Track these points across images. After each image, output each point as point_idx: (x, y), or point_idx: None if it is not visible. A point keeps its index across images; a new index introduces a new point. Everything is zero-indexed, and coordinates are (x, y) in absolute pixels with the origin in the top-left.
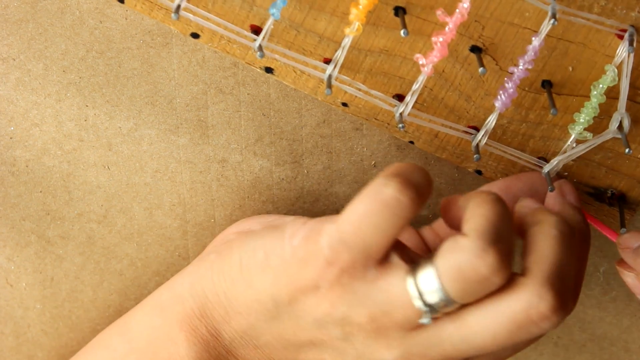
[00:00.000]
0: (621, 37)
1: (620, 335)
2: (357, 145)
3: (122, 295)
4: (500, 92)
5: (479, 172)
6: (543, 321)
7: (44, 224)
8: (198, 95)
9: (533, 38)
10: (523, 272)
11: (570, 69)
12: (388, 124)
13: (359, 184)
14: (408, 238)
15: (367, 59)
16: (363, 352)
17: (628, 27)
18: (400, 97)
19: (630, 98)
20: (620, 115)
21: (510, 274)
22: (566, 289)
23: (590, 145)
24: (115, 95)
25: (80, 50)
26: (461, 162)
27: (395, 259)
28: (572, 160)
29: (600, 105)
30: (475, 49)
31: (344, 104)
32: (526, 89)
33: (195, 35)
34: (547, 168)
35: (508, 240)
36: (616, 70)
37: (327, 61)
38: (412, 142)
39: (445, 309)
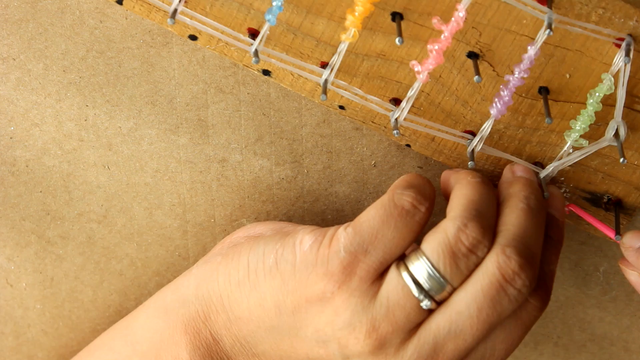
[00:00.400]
0: (619, 46)
1: (620, 335)
2: (357, 145)
3: (122, 295)
4: (496, 99)
5: None
6: (514, 279)
7: (44, 224)
8: (198, 94)
9: (529, 47)
10: (493, 242)
11: (568, 76)
12: (385, 127)
13: (359, 184)
14: None
15: (364, 63)
16: None
17: (625, 36)
18: (397, 101)
19: (627, 106)
20: (617, 123)
21: (491, 246)
22: (531, 253)
23: (586, 153)
24: (115, 95)
25: (81, 50)
26: (458, 165)
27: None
28: (569, 166)
29: (597, 112)
30: (472, 55)
31: (341, 107)
32: (523, 95)
33: (193, 37)
34: (542, 174)
35: (489, 216)
36: (613, 79)
37: (325, 65)
38: (408, 146)
39: (440, 294)
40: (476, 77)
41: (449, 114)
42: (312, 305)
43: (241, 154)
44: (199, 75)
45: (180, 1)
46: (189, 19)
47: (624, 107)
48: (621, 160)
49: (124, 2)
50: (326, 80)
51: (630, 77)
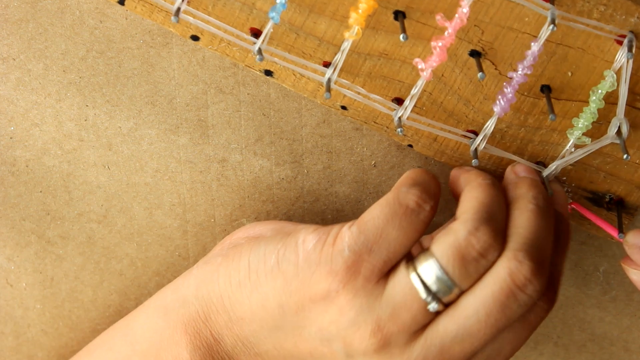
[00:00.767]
0: (620, 43)
1: (620, 335)
2: (357, 145)
3: (122, 295)
4: (499, 97)
5: None
6: (526, 285)
7: (44, 224)
8: (198, 95)
9: (532, 43)
10: (504, 245)
11: (570, 74)
12: (387, 127)
13: (359, 184)
14: None
15: (367, 62)
16: None
17: (627, 33)
18: (399, 101)
19: (629, 104)
20: (619, 120)
21: (502, 249)
22: (542, 257)
23: (588, 151)
24: (115, 95)
25: (81, 50)
26: (460, 165)
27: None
28: (571, 165)
29: (599, 110)
30: (474, 54)
31: (343, 107)
32: (525, 93)
33: (195, 38)
34: (545, 172)
35: (500, 219)
36: (615, 75)
37: (327, 64)
38: (410, 146)
39: (447, 297)
40: (480, 74)
41: (451, 113)
42: (316, 305)
43: (241, 154)
44: (199, 76)
45: (183, 0)
46: (192, 18)
47: (626, 104)
48: (625, 156)
49: (125, 3)
50: (329, 79)
51: (632, 74)
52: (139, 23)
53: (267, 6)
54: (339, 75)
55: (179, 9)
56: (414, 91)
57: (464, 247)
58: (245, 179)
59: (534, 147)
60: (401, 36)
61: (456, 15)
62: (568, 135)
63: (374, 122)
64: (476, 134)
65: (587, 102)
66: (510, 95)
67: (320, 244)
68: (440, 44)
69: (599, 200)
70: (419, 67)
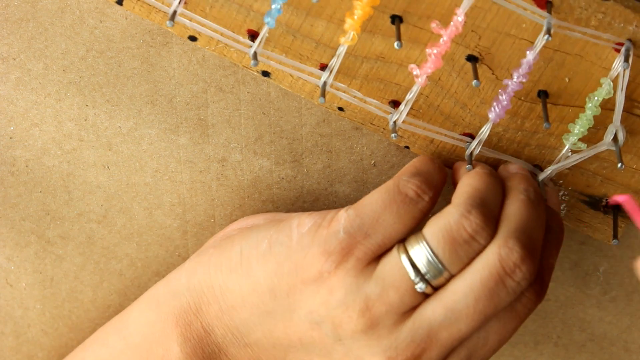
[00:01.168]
0: (618, 51)
1: (620, 335)
2: (357, 145)
3: (122, 295)
4: (494, 103)
5: None
6: (514, 271)
7: (44, 224)
8: (198, 94)
9: (528, 52)
10: (495, 232)
11: (567, 79)
12: (384, 128)
13: (358, 183)
14: None
15: (364, 65)
16: (352, 350)
17: (625, 41)
18: (396, 103)
19: (626, 110)
20: (615, 127)
21: (493, 236)
22: (532, 246)
23: (583, 156)
24: (115, 94)
25: (80, 49)
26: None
27: None
28: (568, 169)
29: (596, 116)
30: (471, 58)
31: (340, 109)
32: (522, 98)
33: (192, 38)
34: (541, 176)
35: (493, 206)
36: (611, 83)
37: (324, 66)
38: (407, 147)
39: (437, 280)
40: (475, 81)
41: (447, 116)
42: (307, 286)
43: (241, 153)
44: (199, 75)
45: (179, 3)
46: (188, 21)
47: (623, 111)
48: (619, 165)
49: (124, 3)
50: (325, 83)
51: (629, 81)
52: (139, 23)
53: (265, 8)
54: (335, 78)
55: (174, 13)
56: (409, 96)
57: (455, 230)
58: (245, 178)
59: (531, 151)
60: (395, 44)
61: (451, 23)
62: (564, 141)
63: (371, 123)
64: (472, 137)
65: (583, 108)
66: (505, 102)
67: (316, 226)
68: (435, 51)
69: (595, 204)
70: (414, 73)
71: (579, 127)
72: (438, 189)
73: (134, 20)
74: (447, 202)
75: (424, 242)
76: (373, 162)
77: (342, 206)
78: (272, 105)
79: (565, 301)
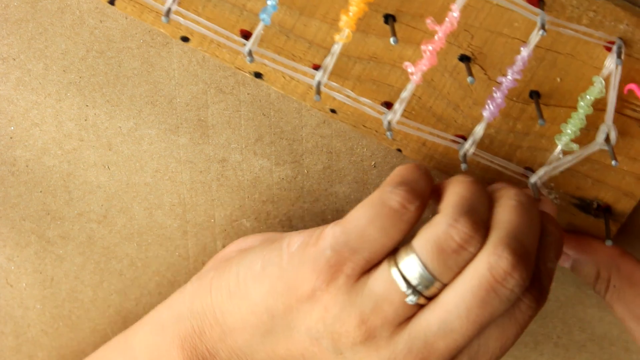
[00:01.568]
0: (609, 49)
1: (620, 335)
2: (357, 146)
3: (122, 295)
4: (489, 102)
5: None
6: (506, 279)
7: (44, 224)
8: (198, 94)
9: (522, 48)
10: (485, 240)
11: (559, 79)
12: (376, 131)
13: (359, 184)
14: None
15: (357, 65)
16: None
17: (616, 40)
18: (388, 105)
19: (617, 110)
20: (607, 127)
21: (484, 243)
22: (524, 251)
23: (577, 157)
24: (115, 94)
25: (81, 49)
26: (449, 170)
27: None
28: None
29: (587, 117)
30: (464, 58)
31: (333, 111)
32: (514, 99)
33: (185, 39)
34: (533, 179)
35: (481, 212)
36: (603, 82)
37: (317, 67)
38: (399, 150)
39: (429, 290)
40: (469, 78)
41: (440, 118)
42: (302, 304)
43: (241, 154)
44: (199, 76)
45: (174, 0)
46: (182, 19)
47: (614, 111)
48: (613, 163)
49: (116, 3)
50: (319, 82)
51: (620, 80)
52: (139, 23)
53: (258, 7)
54: (328, 79)
55: (169, 10)
56: (403, 95)
57: (444, 240)
58: (245, 179)
59: (523, 153)
60: (391, 39)
61: (446, 19)
62: (556, 141)
63: (363, 125)
64: (465, 138)
65: (575, 109)
66: (500, 100)
67: (304, 245)
68: (430, 47)
69: (586, 207)
70: (409, 70)
71: (572, 127)
72: (425, 196)
73: (134, 20)
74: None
75: (414, 254)
76: (373, 163)
77: (342, 207)
78: (272, 106)
79: (565, 301)
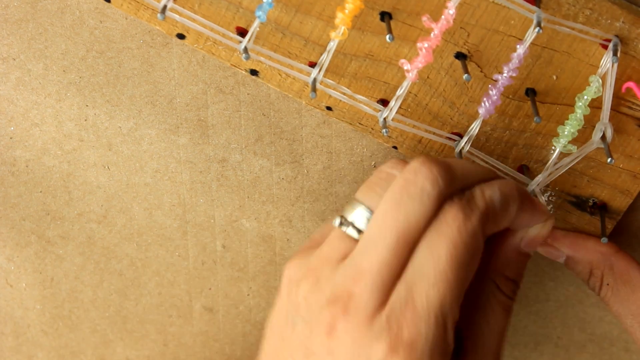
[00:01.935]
0: (605, 47)
1: (620, 335)
2: (357, 146)
3: (122, 295)
4: (484, 99)
5: None
6: (416, 176)
7: (44, 224)
8: (198, 95)
9: (518, 46)
10: None
11: (555, 77)
12: (372, 128)
13: (359, 184)
14: None
15: (352, 63)
16: (313, 313)
17: (612, 37)
18: (384, 102)
19: (613, 108)
20: (604, 125)
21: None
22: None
23: (574, 160)
24: (115, 95)
25: (80, 50)
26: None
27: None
28: (556, 169)
29: (583, 116)
30: (460, 56)
31: (328, 108)
32: (510, 96)
33: (181, 36)
34: (532, 186)
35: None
36: (600, 81)
37: (313, 65)
38: (395, 148)
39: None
40: (465, 75)
41: (436, 115)
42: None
43: (241, 154)
44: (199, 76)
45: None
46: (177, 16)
47: (610, 109)
48: (609, 160)
49: (112, 0)
50: (315, 79)
51: (616, 79)
52: (139, 23)
53: (253, 5)
54: (324, 76)
55: (165, 7)
56: (399, 92)
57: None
58: (245, 179)
59: (518, 151)
60: (387, 37)
61: (442, 16)
62: (554, 144)
63: (359, 123)
64: (461, 136)
65: (571, 106)
66: (495, 97)
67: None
68: (426, 45)
69: (582, 205)
70: (405, 68)
71: (570, 128)
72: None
73: (134, 20)
74: None
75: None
76: (373, 163)
77: (342, 206)
78: (272, 106)
79: (565, 301)
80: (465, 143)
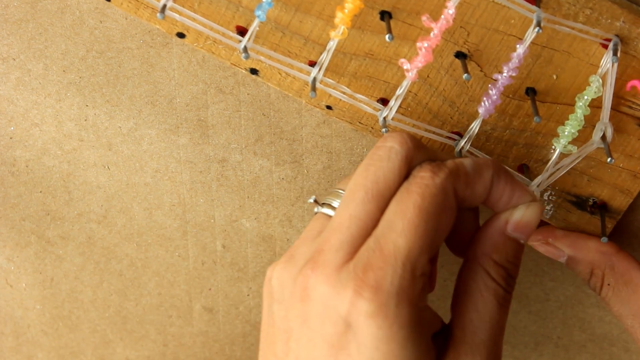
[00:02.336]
0: (605, 47)
1: (620, 335)
2: (357, 146)
3: (122, 295)
4: (484, 98)
5: None
6: (386, 140)
7: (44, 224)
8: (198, 95)
9: (517, 45)
10: None
11: (555, 77)
12: (372, 127)
13: None
14: None
15: (352, 62)
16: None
17: (612, 37)
18: (384, 101)
19: (613, 107)
20: (604, 125)
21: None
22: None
23: (574, 161)
24: (115, 95)
25: (80, 50)
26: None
27: None
28: (556, 168)
29: (583, 116)
30: (460, 55)
31: (328, 107)
32: (510, 96)
33: (181, 35)
34: (532, 187)
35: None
36: (600, 80)
37: (312, 64)
38: None
39: None
40: (465, 75)
41: (436, 114)
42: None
43: (241, 154)
44: (199, 76)
45: None
46: (177, 15)
47: (610, 108)
48: (609, 160)
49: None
50: (315, 78)
51: (616, 78)
52: (139, 23)
53: (253, 4)
54: (324, 75)
55: (164, 6)
56: (399, 92)
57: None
58: (245, 179)
59: (519, 150)
60: (387, 36)
61: (442, 16)
62: (554, 144)
63: (359, 122)
64: (461, 135)
65: (571, 105)
66: (495, 97)
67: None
68: (426, 44)
69: (582, 204)
70: (405, 67)
71: (570, 129)
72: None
73: (134, 20)
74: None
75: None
76: None
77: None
78: (272, 106)
79: (565, 301)
80: (465, 142)
